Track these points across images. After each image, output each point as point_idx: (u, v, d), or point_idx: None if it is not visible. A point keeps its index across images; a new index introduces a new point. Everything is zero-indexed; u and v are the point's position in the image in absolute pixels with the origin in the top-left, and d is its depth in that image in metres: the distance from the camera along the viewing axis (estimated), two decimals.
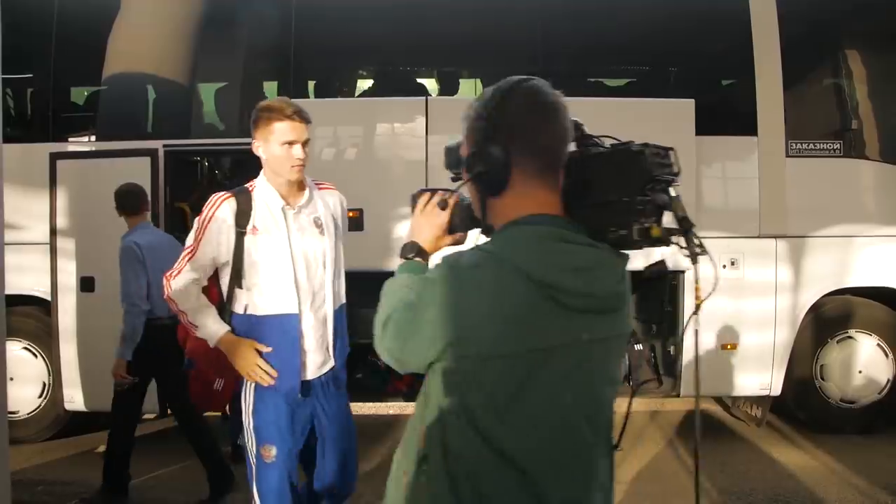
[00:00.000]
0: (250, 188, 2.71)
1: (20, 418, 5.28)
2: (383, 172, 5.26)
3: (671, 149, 1.49)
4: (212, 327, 2.68)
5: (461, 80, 6.02)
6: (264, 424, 2.65)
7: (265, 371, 2.60)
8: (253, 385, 2.65)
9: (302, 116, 2.62)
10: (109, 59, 5.48)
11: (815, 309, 5.43)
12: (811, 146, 5.41)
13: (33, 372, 5.33)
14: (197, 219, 2.72)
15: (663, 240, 1.43)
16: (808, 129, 5.51)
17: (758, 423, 5.67)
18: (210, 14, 5.61)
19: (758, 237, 5.30)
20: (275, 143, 2.60)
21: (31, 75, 5.76)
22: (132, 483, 4.51)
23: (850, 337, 5.49)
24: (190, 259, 2.68)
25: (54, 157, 5.13)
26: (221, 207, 2.65)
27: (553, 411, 1.36)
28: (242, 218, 2.63)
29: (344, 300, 2.88)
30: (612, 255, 1.44)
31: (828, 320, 5.49)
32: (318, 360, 2.73)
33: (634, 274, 1.51)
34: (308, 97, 5.59)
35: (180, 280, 2.69)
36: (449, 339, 1.34)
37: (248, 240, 2.63)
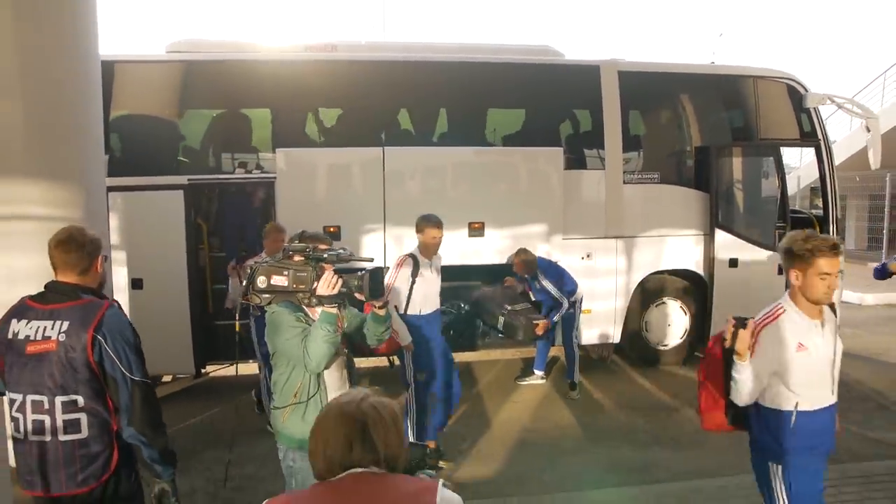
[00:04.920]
0: None
1: None
2: (355, 198, 7.18)
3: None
4: None
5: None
6: None
7: None
8: None
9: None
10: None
11: (642, 284, 7.88)
12: (639, 176, 7.82)
13: None
14: None
15: None
16: (637, 165, 7.90)
17: (604, 360, 8.28)
18: None
19: (605, 237, 7.62)
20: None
21: None
22: (170, 431, 6.21)
23: (664, 302, 8.01)
24: None
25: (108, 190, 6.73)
26: None
27: None
28: None
29: None
30: None
31: (650, 292, 7.97)
32: None
33: None
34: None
35: None
36: None
37: None
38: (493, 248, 7.39)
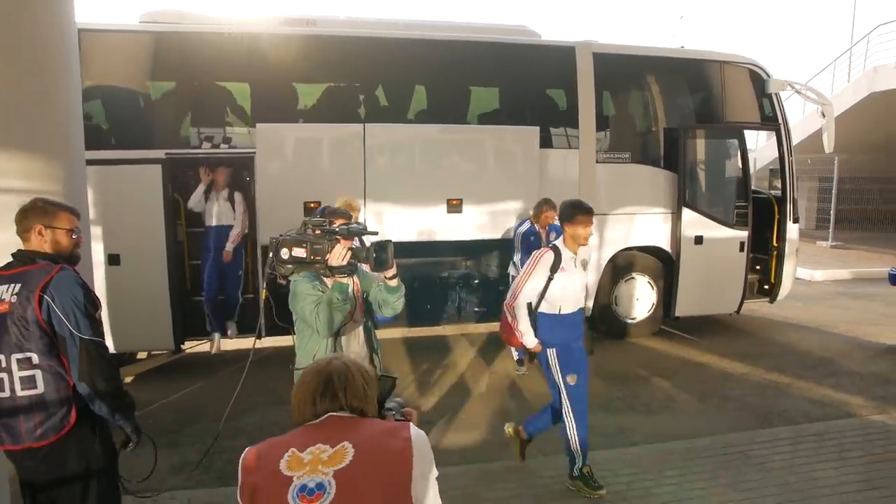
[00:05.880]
0: None
1: None
2: (335, 174, 7.24)
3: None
4: None
5: None
6: None
7: None
8: None
9: None
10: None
11: (613, 260, 8.17)
12: (611, 156, 8.07)
13: None
14: None
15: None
16: (610, 146, 8.14)
17: None
18: None
19: None
20: None
21: None
22: (154, 406, 6.15)
23: (633, 277, 8.31)
24: None
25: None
26: None
27: None
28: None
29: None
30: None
31: (620, 267, 8.26)
32: None
33: None
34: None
35: None
36: None
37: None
38: (470, 225, 7.56)
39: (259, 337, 6.89)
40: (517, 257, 7.07)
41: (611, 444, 5.41)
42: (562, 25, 52.69)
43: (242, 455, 1.81)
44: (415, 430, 1.83)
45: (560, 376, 4.51)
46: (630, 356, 7.82)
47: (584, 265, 4.62)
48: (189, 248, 7.33)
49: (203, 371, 7.18)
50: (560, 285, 4.45)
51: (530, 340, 4.52)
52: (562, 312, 4.51)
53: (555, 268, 4.42)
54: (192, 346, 7.52)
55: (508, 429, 5.02)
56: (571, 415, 4.50)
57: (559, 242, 4.52)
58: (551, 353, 4.52)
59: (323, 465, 1.70)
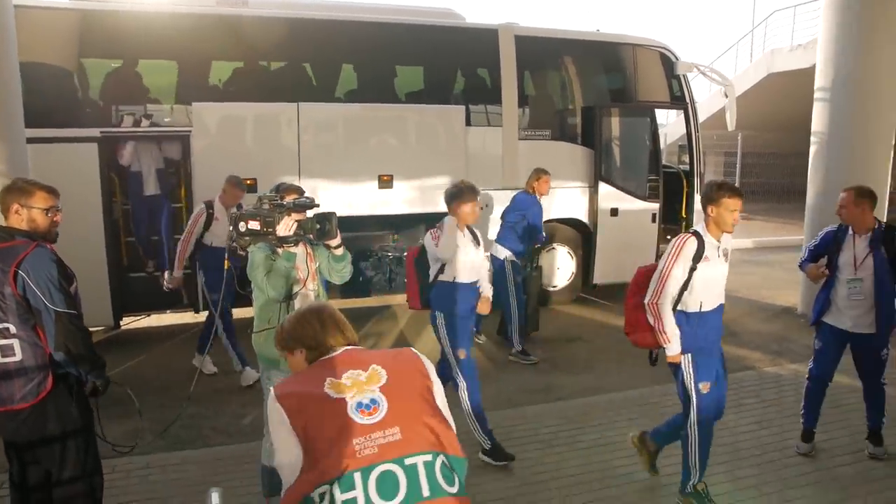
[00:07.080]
0: None
1: None
2: (270, 152, 7.47)
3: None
4: None
5: None
6: None
7: None
8: None
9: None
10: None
11: None
12: (533, 133, 8.55)
13: None
14: None
15: None
16: (531, 124, 8.62)
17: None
18: None
19: (502, 189, 8.15)
20: None
21: None
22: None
23: (553, 248, 8.82)
24: None
25: None
26: None
27: None
28: None
29: None
30: None
31: None
32: None
33: None
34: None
35: None
36: None
37: None
38: (401, 199, 7.91)
39: (196, 312, 7.16)
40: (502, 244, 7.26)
41: (538, 400, 5.94)
42: (485, 8, 53.26)
43: (275, 402, 1.95)
44: (417, 351, 2.18)
45: (693, 382, 3.97)
46: (553, 321, 8.38)
47: (726, 255, 3.98)
48: (125, 225, 7.41)
49: (142, 346, 7.31)
50: (703, 277, 3.84)
51: (675, 347, 3.90)
52: (703, 310, 3.91)
53: (698, 257, 3.81)
54: (130, 322, 7.62)
55: (634, 439, 4.53)
56: (696, 428, 4.00)
57: (700, 228, 3.92)
58: (685, 359, 3.96)
59: (365, 384, 2.00)
